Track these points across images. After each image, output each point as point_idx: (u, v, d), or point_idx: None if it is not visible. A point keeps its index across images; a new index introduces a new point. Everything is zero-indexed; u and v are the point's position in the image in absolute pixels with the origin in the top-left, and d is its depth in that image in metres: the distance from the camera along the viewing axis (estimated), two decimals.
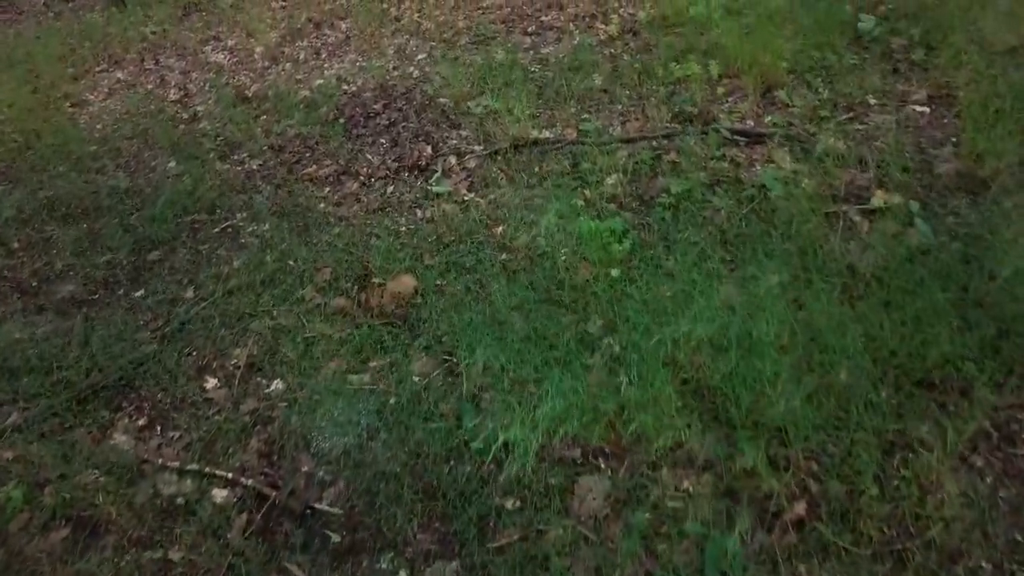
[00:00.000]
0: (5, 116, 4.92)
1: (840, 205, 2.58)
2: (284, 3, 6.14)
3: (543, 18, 4.70)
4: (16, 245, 3.45)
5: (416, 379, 2.29)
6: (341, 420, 2.17)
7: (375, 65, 4.41)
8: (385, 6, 5.51)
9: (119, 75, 5.35)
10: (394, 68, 4.40)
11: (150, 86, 5.06)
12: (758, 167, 2.89)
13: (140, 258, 3.17)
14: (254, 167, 3.69)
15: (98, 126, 4.58)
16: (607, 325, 2.29)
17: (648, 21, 4.30)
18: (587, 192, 2.89)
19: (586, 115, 3.50)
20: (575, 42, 4.28)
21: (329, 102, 4.07)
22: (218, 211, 3.37)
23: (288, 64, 4.90)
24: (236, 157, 3.84)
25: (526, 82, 3.83)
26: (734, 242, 2.54)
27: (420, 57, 4.47)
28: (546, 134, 3.39)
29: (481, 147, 3.42)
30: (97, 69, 5.51)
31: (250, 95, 4.47)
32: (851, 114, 3.14)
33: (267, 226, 3.18)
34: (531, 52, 4.29)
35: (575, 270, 2.49)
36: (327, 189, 3.40)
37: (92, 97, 5.02)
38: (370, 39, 4.92)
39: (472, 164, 3.33)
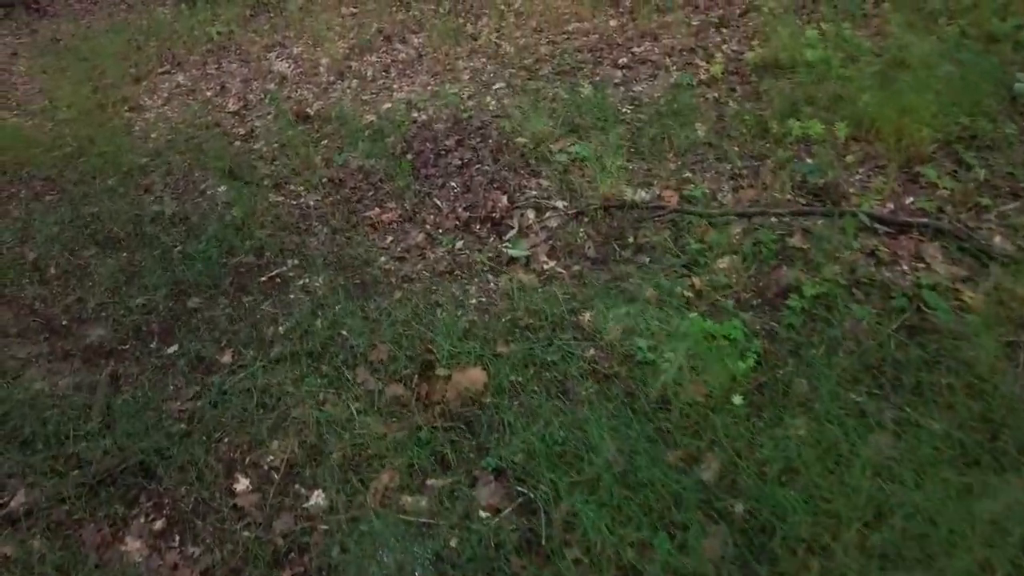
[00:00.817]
0: (64, 117, 4.72)
1: (1021, 333, 2.08)
2: (355, 10, 5.83)
3: (635, 49, 4.24)
4: (52, 271, 3.17)
5: (483, 514, 1.88)
6: (390, 565, 1.79)
7: (449, 92, 4.02)
8: (461, 21, 5.13)
9: (180, 78, 5.09)
10: (469, 97, 3.99)
11: (209, 92, 4.77)
12: (905, 266, 2.39)
13: (178, 304, 2.83)
14: (310, 203, 3.34)
15: (153, 135, 4.31)
16: (728, 478, 1.83)
17: (757, 62, 3.81)
18: (695, 279, 2.43)
19: (689, 174, 3.04)
20: (672, 80, 3.81)
21: (397, 132, 3.69)
22: (267, 254, 3.02)
23: (354, 81, 4.54)
24: (291, 188, 3.50)
25: (617, 125, 3.38)
26: (883, 369, 2.06)
27: (498, 86, 4.06)
28: (642, 195, 2.93)
29: (565, 203, 2.99)
30: (160, 70, 5.27)
31: (312, 113, 4.13)
32: (1017, 202, 2.62)
33: (320, 280, 2.81)
34: (622, 89, 3.83)
35: (684, 387, 2.04)
36: (389, 239, 3.02)
37: (150, 102, 4.77)
38: (444, 59, 4.53)
39: (553, 224, 2.91)
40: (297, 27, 5.61)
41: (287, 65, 4.92)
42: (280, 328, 2.57)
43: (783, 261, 2.45)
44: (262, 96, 4.51)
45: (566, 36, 4.54)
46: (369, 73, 4.54)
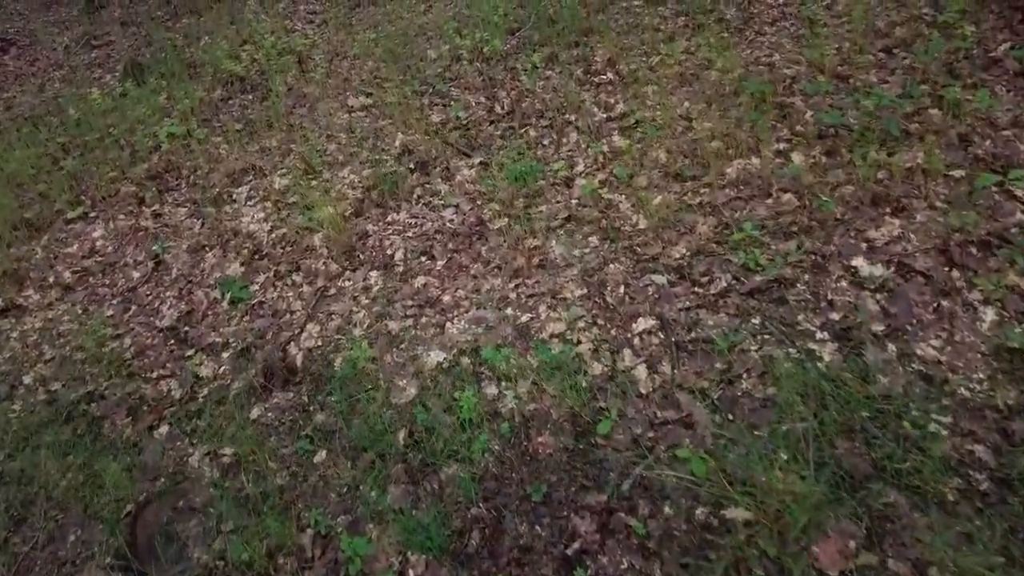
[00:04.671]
0: None
1: None
2: (368, 100, 3.92)
3: (871, 232, 2.33)
4: None
5: None
6: None
7: (549, 343, 2.09)
8: (537, 149, 3.25)
9: (97, 232, 3.17)
10: (588, 349, 2.03)
11: (136, 273, 2.78)
12: None
13: None
14: None
15: (14, 382, 2.49)
16: None
17: None
18: None
19: None
20: (989, 321, 1.97)
21: (463, 450, 1.87)
22: None
23: (372, 274, 2.51)
24: None
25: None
26: None
27: (642, 325, 2.07)
28: None
29: None
30: (71, 214, 3.42)
31: (298, 365, 2.28)
32: None
33: None
34: (892, 348, 1.98)
35: None
36: None
37: (36, 297, 2.93)
38: (521, 237, 2.59)
39: None
40: (282, 127, 3.75)
41: (261, 216, 3.06)
42: None
43: None
44: (217, 296, 2.67)
45: (726, 191, 2.66)
46: (397, 255, 2.68)
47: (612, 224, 2.49)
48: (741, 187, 2.55)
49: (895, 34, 3.55)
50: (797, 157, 2.70)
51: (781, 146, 2.73)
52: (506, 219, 2.62)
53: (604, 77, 3.55)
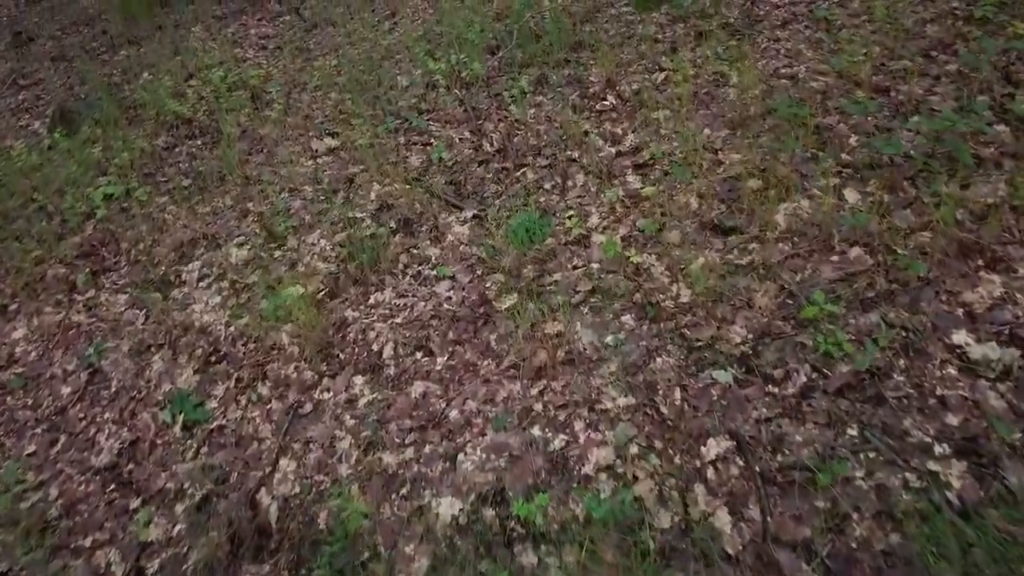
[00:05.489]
0: None
1: None
2: (335, 142, 3.37)
3: (969, 299, 1.93)
4: None
5: None
6: None
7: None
8: (539, 195, 2.78)
9: (18, 334, 2.62)
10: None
11: (59, 398, 2.36)
12: None
13: None
14: None
15: None
16: None
17: None
18: None
19: None
20: None
21: None
22: None
23: (346, 421, 2.09)
24: None
25: None
26: None
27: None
28: None
29: None
30: None
31: (273, 524, 1.80)
32: None
33: None
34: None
35: None
36: None
37: None
38: (545, 343, 2.10)
39: None
40: (237, 180, 3.20)
41: (217, 301, 2.52)
42: None
43: None
44: (167, 420, 2.13)
45: (780, 246, 2.09)
46: (386, 350, 2.16)
47: (648, 297, 2.04)
48: (796, 240, 2.11)
49: (928, 34, 3.14)
50: (851, 195, 2.26)
51: (830, 180, 2.30)
52: (515, 295, 2.15)
53: (605, 102, 3.08)
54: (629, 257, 2.17)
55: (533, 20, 3.81)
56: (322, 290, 2.37)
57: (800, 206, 2.22)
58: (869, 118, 2.55)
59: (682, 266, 2.09)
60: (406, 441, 1.79)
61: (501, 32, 3.90)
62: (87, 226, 3.10)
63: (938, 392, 1.64)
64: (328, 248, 2.57)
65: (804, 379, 1.71)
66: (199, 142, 3.72)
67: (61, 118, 4.10)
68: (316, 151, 3.27)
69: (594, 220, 2.38)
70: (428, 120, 3.33)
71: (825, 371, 1.72)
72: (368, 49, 4.25)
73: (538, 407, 1.79)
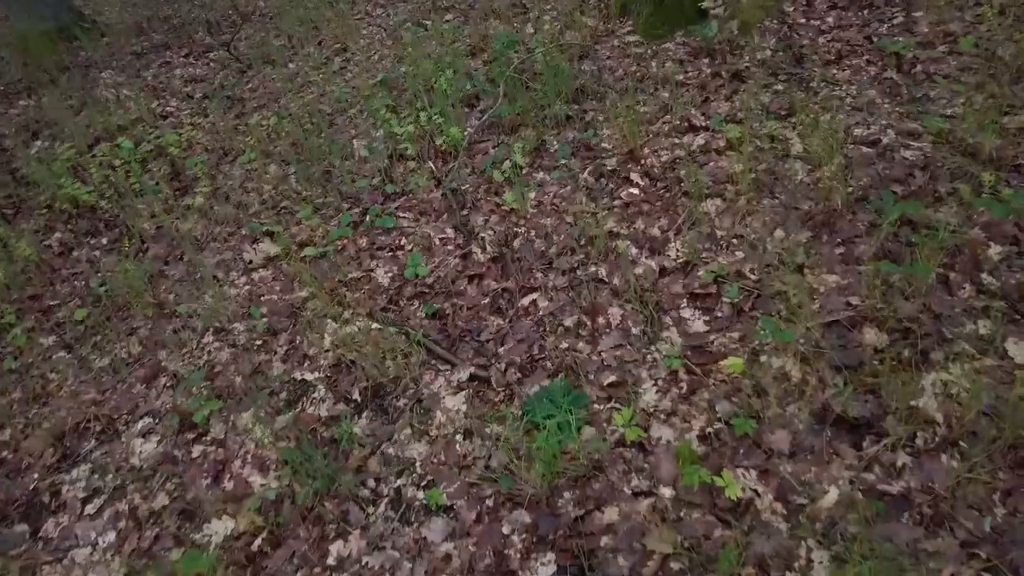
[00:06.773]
0: None
1: None
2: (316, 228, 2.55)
3: None
4: None
5: None
6: None
7: None
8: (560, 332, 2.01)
9: None
10: None
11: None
12: None
13: None
14: None
15: None
16: None
17: None
18: None
19: None
20: None
21: None
22: None
23: None
24: None
25: None
26: None
27: None
28: None
29: None
30: None
31: None
32: None
33: None
34: None
35: None
36: None
37: None
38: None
39: None
40: (147, 312, 2.26)
41: (112, 554, 1.71)
42: None
43: None
44: None
45: (955, 463, 1.43)
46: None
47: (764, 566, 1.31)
48: (964, 443, 1.40)
49: None
50: (1018, 349, 1.56)
51: (985, 328, 1.58)
52: (552, 555, 1.41)
53: (630, 185, 2.32)
54: (722, 487, 1.43)
55: (520, 61, 3.02)
56: (258, 533, 1.59)
57: (949, 374, 1.50)
58: (1011, 216, 1.83)
59: (804, 502, 1.36)
60: None
61: (479, 76, 3.10)
62: None
63: None
64: (267, 442, 1.80)
65: None
66: (104, 240, 2.88)
67: None
68: (250, 262, 2.46)
69: (649, 397, 1.64)
70: (396, 209, 2.54)
71: None
72: (314, 100, 3.42)
73: None
